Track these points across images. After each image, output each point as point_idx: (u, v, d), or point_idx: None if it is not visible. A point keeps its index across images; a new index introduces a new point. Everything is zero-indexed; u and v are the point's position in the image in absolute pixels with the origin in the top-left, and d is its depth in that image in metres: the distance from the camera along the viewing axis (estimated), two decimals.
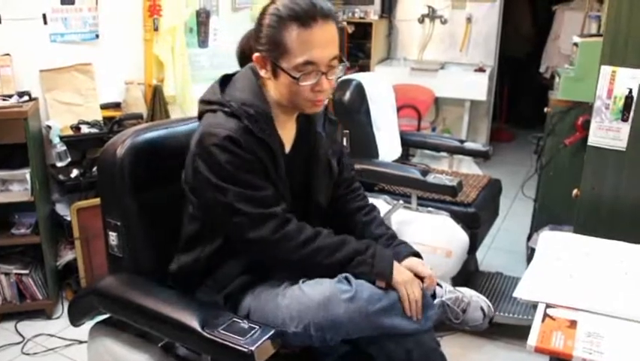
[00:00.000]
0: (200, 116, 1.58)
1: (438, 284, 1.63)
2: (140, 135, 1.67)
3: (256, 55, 1.52)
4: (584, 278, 1.65)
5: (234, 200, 1.47)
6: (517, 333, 2.62)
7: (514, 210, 4.24)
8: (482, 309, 1.61)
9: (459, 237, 2.71)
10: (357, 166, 2.74)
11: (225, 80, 1.60)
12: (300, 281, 1.53)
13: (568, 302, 1.51)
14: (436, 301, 1.59)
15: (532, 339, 1.36)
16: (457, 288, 1.66)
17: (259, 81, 1.56)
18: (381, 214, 2.60)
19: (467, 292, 1.63)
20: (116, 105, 3.31)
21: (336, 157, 1.74)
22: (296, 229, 1.52)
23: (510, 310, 2.78)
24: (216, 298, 1.58)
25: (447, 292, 1.61)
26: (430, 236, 2.72)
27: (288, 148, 1.62)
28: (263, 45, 1.49)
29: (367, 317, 1.46)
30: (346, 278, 1.51)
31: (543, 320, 1.43)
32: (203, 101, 1.58)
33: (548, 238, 1.90)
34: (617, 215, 2.18)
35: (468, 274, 3.03)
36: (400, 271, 1.55)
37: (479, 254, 3.29)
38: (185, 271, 1.62)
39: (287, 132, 1.62)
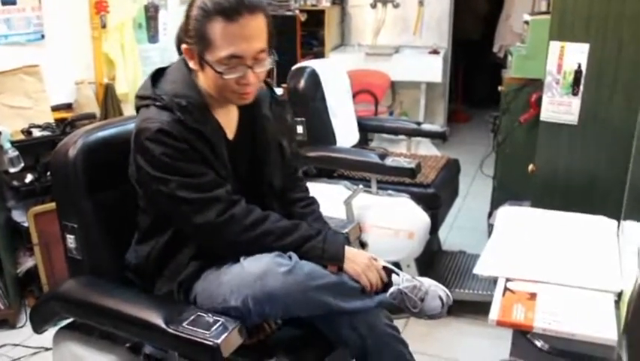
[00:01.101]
0: (137, 112, 1.59)
1: (395, 272, 1.64)
2: (92, 135, 1.65)
3: (184, 47, 1.53)
4: (542, 250, 1.69)
5: (176, 189, 1.48)
6: (481, 309, 2.63)
7: (474, 188, 4.30)
8: (441, 298, 1.63)
9: (420, 218, 2.74)
10: (315, 153, 2.77)
11: (158, 74, 1.61)
12: (242, 258, 1.52)
13: (527, 275, 1.55)
14: (392, 289, 1.60)
15: (494, 313, 1.40)
16: (415, 277, 1.67)
17: (191, 72, 1.57)
18: (342, 200, 2.67)
19: (426, 281, 1.64)
20: (68, 106, 3.26)
21: (286, 138, 1.76)
22: (243, 212, 1.53)
23: (474, 287, 2.83)
24: (172, 286, 1.59)
25: (404, 280, 1.62)
26: (392, 219, 2.75)
27: (231, 134, 1.63)
28: (190, 38, 1.50)
29: (305, 291, 1.46)
30: (288, 255, 1.51)
31: (503, 294, 1.47)
32: (137, 97, 1.60)
33: (506, 214, 1.94)
34: (572, 187, 2.23)
35: (431, 255, 3.07)
36: (355, 256, 1.57)
37: (442, 234, 3.34)
38: (143, 263, 1.63)
39: (228, 119, 1.63)
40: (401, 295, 1.59)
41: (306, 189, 1.86)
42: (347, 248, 1.58)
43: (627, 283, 1.44)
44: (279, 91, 4.20)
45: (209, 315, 1.43)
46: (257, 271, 1.47)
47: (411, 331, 2.62)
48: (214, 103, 1.58)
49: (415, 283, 1.62)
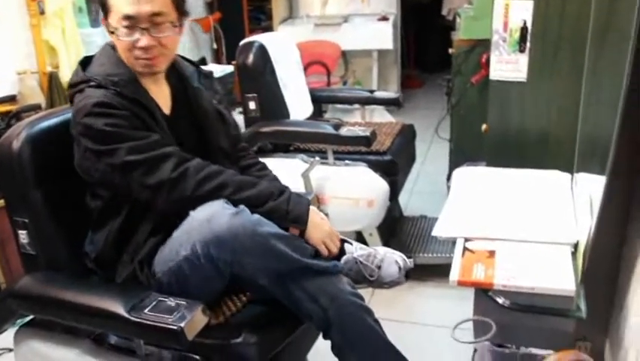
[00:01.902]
0: (71, 102, 1.60)
1: (347, 242, 1.65)
2: (36, 126, 1.61)
3: (102, 18, 1.59)
4: (499, 208, 1.71)
5: (125, 155, 1.49)
6: (446, 272, 2.69)
7: (431, 153, 4.33)
8: (397, 263, 1.64)
9: (379, 186, 2.75)
10: (269, 128, 2.76)
11: (87, 61, 1.64)
12: (192, 212, 1.52)
13: (485, 234, 1.57)
14: (346, 257, 1.61)
15: (454, 274, 1.42)
16: (369, 247, 1.68)
17: (117, 53, 1.60)
18: (299, 173, 2.66)
19: (380, 249, 1.65)
20: (11, 98, 3.16)
21: (223, 105, 1.80)
22: (197, 165, 1.54)
23: (437, 251, 2.86)
24: (134, 268, 1.58)
25: (358, 248, 1.63)
26: (351, 189, 2.75)
27: (167, 109, 1.66)
28: (101, 7, 1.58)
29: (253, 235, 1.45)
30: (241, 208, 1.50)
31: (463, 254, 1.49)
32: (69, 86, 1.62)
33: (462, 175, 1.96)
34: (525, 144, 2.26)
35: (393, 222, 3.09)
36: (318, 222, 1.59)
37: (402, 200, 3.36)
38: (101, 250, 1.61)
39: (161, 95, 1.66)
40: (357, 264, 1.60)
41: (255, 156, 1.88)
42: (311, 212, 1.59)
43: (582, 234, 1.47)
44: (216, 67, 4.16)
45: (171, 299, 1.42)
46: (204, 215, 1.47)
47: (376, 298, 2.64)
48: (144, 79, 1.61)
49: (369, 251, 1.63)
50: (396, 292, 2.73)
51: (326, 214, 2.44)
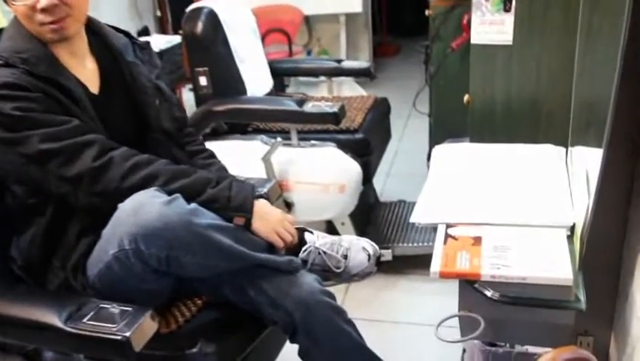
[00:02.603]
0: None
1: (308, 231, 1.65)
2: None
3: None
4: (485, 189, 1.71)
5: (39, 144, 1.46)
6: (429, 263, 2.70)
7: (409, 129, 4.35)
8: (365, 250, 1.65)
9: (350, 168, 2.76)
10: (224, 107, 2.74)
11: None
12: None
13: (469, 218, 1.57)
14: (307, 247, 1.62)
15: (436, 264, 1.41)
16: (332, 235, 1.69)
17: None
18: (259, 157, 2.65)
19: (345, 237, 1.66)
20: None
21: (163, 81, 1.79)
22: (123, 154, 1.52)
23: (419, 239, 2.88)
24: (66, 274, 1.56)
25: (319, 237, 1.63)
26: (318, 173, 2.76)
27: (94, 88, 1.63)
28: None
29: (189, 226, 1.44)
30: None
31: (445, 242, 1.49)
32: None
33: (442, 153, 1.96)
34: (513, 115, 2.26)
35: (368, 208, 3.10)
36: (264, 211, 1.59)
37: (377, 183, 3.37)
38: (27, 255, 1.59)
39: (85, 72, 1.63)
40: (320, 255, 1.61)
41: (202, 143, 1.88)
42: (257, 201, 1.59)
43: (579, 215, 1.48)
44: (160, 38, 4.12)
45: (115, 305, 1.40)
46: (131, 206, 1.45)
47: (350, 297, 2.65)
48: (62, 54, 1.58)
49: (332, 240, 1.64)
50: (374, 288, 2.77)
51: (291, 203, 2.47)
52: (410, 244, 2.87)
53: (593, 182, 1.34)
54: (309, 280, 1.59)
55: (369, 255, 1.67)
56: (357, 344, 1.61)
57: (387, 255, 2.81)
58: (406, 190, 3.41)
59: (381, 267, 2.80)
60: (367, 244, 1.68)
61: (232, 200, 1.56)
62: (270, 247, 1.60)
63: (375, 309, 2.64)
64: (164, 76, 1.85)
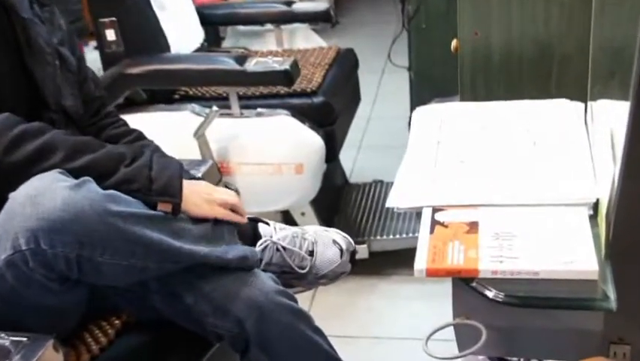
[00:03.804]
0: None
1: (261, 221, 1.67)
2: None
3: None
4: (480, 161, 1.71)
5: None
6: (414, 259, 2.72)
7: (384, 88, 4.36)
8: (336, 243, 1.65)
9: (308, 141, 2.76)
10: (140, 69, 2.74)
11: None
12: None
13: (462, 199, 1.56)
14: (262, 242, 1.63)
15: (421, 260, 1.39)
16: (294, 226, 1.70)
17: None
18: (190, 133, 2.63)
19: (310, 228, 1.66)
20: None
21: (68, 47, 1.77)
22: (5, 121, 1.50)
23: (402, 230, 2.90)
24: None
25: (277, 230, 1.63)
26: (268, 150, 2.76)
27: None
28: None
29: (106, 215, 1.42)
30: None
31: (432, 230, 1.47)
32: None
33: (424, 116, 1.95)
34: (514, 65, 2.26)
35: (335, 192, 3.11)
36: (196, 190, 1.60)
37: (345, 160, 3.37)
38: None
39: None
40: (278, 252, 1.60)
41: (127, 124, 1.89)
42: (187, 182, 1.59)
43: (604, 188, 1.48)
44: None
45: (3, 335, 1.37)
46: (27, 194, 1.42)
47: (319, 306, 2.64)
48: None
49: (293, 231, 1.64)
50: (346, 295, 2.76)
51: (234, 191, 2.45)
52: (391, 237, 2.89)
53: (620, 144, 1.34)
54: (263, 278, 1.58)
55: (341, 250, 1.68)
56: (330, 357, 1.61)
57: (362, 252, 2.81)
58: (382, 167, 3.41)
59: (356, 267, 2.81)
60: (338, 236, 1.69)
61: (154, 180, 1.55)
62: (215, 238, 1.59)
63: (348, 321, 2.64)
64: (72, 41, 1.83)
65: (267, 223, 1.70)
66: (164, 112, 2.84)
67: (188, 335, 1.61)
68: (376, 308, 2.73)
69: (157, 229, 1.48)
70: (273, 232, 1.66)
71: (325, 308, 2.62)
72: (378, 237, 2.87)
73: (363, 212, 3.05)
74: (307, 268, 1.65)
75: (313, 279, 1.68)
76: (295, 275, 1.66)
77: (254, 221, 1.71)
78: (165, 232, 1.49)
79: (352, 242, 1.72)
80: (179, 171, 1.61)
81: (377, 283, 2.81)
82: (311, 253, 1.64)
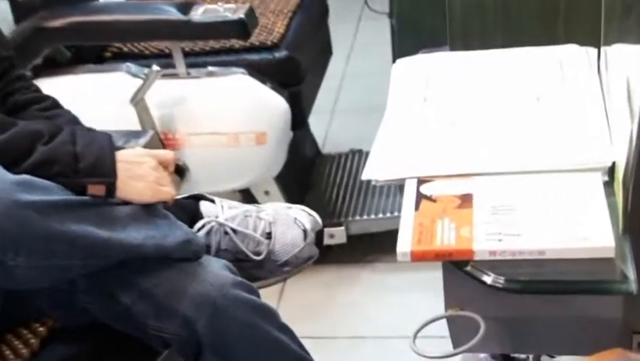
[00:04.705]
0: None
1: (208, 200, 1.68)
2: None
3: None
4: (474, 122, 1.71)
5: None
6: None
7: (361, 38, 4.36)
8: (298, 223, 1.65)
9: (270, 104, 2.77)
10: (61, 21, 2.71)
11: None
12: None
13: (452, 167, 1.57)
14: (205, 222, 1.64)
15: (405, 241, 1.41)
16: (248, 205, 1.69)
17: None
18: (126, 98, 2.62)
19: (269, 206, 1.66)
20: None
21: None
22: None
23: (386, 208, 2.92)
24: None
25: (224, 208, 1.63)
26: (222, 117, 2.76)
27: None
28: None
29: (12, 207, 1.40)
30: None
31: (417, 207, 1.48)
32: None
33: (407, 69, 1.97)
34: (511, 4, 2.26)
35: (304, 166, 3.12)
36: (133, 169, 1.58)
37: (316, 127, 3.38)
38: None
39: None
40: (227, 235, 1.60)
41: (39, 90, 1.87)
42: (120, 154, 1.58)
43: (621, 149, 1.48)
44: None
45: None
46: None
47: (291, 300, 2.65)
48: None
49: (245, 210, 1.64)
50: (322, 288, 2.76)
51: (183, 168, 2.46)
52: (373, 217, 2.91)
53: (638, 96, 1.35)
54: (215, 267, 1.58)
55: (304, 230, 1.67)
56: (299, 360, 1.62)
57: (338, 235, 2.83)
58: (361, 134, 3.38)
59: (332, 254, 2.82)
60: (302, 214, 1.69)
61: (80, 158, 1.53)
62: (147, 216, 1.58)
63: (325, 319, 2.66)
64: None
65: (212, 201, 1.70)
66: (94, 74, 2.83)
67: (128, 342, 1.61)
68: (358, 303, 2.74)
69: (80, 218, 1.46)
70: (219, 212, 1.65)
71: (296, 304, 2.63)
72: (358, 217, 2.88)
73: (339, 188, 3.05)
74: (264, 255, 1.64)
75: (274, 267, 1.68)
76: (250, 263, 1.66)
77: (195, 199, 1.72)
78: (90, 221, 1.47)
79: (319, 220, 1.72)
80: (110, 143, 1.59)
81: (358, 273, 2.82)
82: (269, 236, 1.64)
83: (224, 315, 1.54)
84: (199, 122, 2.75)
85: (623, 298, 1.41)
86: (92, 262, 1.51)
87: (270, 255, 1.64)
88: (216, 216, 1.64)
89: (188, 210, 1.69)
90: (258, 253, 1.63)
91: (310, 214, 1.70)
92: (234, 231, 1.63)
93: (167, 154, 1.68)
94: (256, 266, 1.67)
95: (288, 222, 1.65)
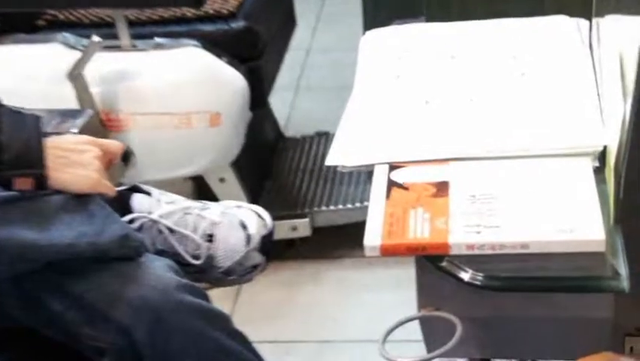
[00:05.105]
0: None
1: (143, 192, 1.67)
2: None
3: None
4: (451, 101, 1.72)
5: None
6: None
7: (328, 8, 4.37)
8: (243, 226, 1.65)
9: (226, 81, 2.77)
10: None
11: None
12: None
13: (427, 152, 1.58)
14: (135, 217, 1.63)
15: (374, 234, 1.41)
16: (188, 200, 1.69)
17: None
18: (63, 72, 2.62)
19: (214, 205, 1.66)
20: None
21: None
22: None
23: (355, 198, 2.93)
24: None
25: (161, 202, 1.63)
26: (172, 95, 2.76)
27: None
28: None
29: None
30: None
31: (388, 195, 1.49)
32: None
33: (378, 41, 1.98)
34: None
35: (264, 150, 3.12)
36: (67, 157, 1.57)
37: (279, 107, 3.38)
38: None
39: None
40: (162, 234, 1.60)
41: None
42: (50, 141, 1.57)
43: (613, 131, 1.49)
44: None
45: None
46: None
47: (248, 302, 2.65)
48: None
49: (185, 206, 1.63)
50: (283, 287, 2.76)
51: (128, 152, 2.47)
52: (340, 207, 2.92)
53: (632, 72, 1.35)
54: (156, 268, 1.58)
55: (247, 235, 1.66)
56: None
57: (302, 227, 2.83)
58: (328, 115, 3.39)
59: (295, 249, 2.82)
60: (251, 215, 1.67)
61: (5, 148, 1.52)
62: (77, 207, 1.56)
63: (286, 322, 2.66)
64: None
65: (148, 193, 1.69)
66: (25, 44, 2.82)
67: (59, 351, 1.61)
68: (323, 303, 2.75)
69: (4, 219, 1.46)
70: (154, 206, 1.65)
71: (254, 306, 2.63)
72: (324, 207, 2.89)
73: (303, 176, 3.06)
74: (203, 260, 1.63)
75: (217, 274, 1.67)
76: (193, 268, 1.65)
77: (128, 191, 1.71)
78: (16, 221, 1.47)
79: (269, 223, 1.70)
80: (38, 128, 1.58)
81: (323, 270, 2.83)
82: (210, 239, 1.63)
83: (167, 322, 1.53)
84: (145, 101, 2.74)
85: (614, 297, 1.42)
86: (19, 267, 1.49)
87: (211, 260, 1.62)
88: (149, 212, 1.62)
89: (119, 202, 1.66)
90: (196, 257, 1.62)
91: (260, 216, 1.68)
92: (171, 230, 1.62)
93: (113, 144, 1.67)
94: (199, 271, 1.65)
95: (233, 224, 1.63)
